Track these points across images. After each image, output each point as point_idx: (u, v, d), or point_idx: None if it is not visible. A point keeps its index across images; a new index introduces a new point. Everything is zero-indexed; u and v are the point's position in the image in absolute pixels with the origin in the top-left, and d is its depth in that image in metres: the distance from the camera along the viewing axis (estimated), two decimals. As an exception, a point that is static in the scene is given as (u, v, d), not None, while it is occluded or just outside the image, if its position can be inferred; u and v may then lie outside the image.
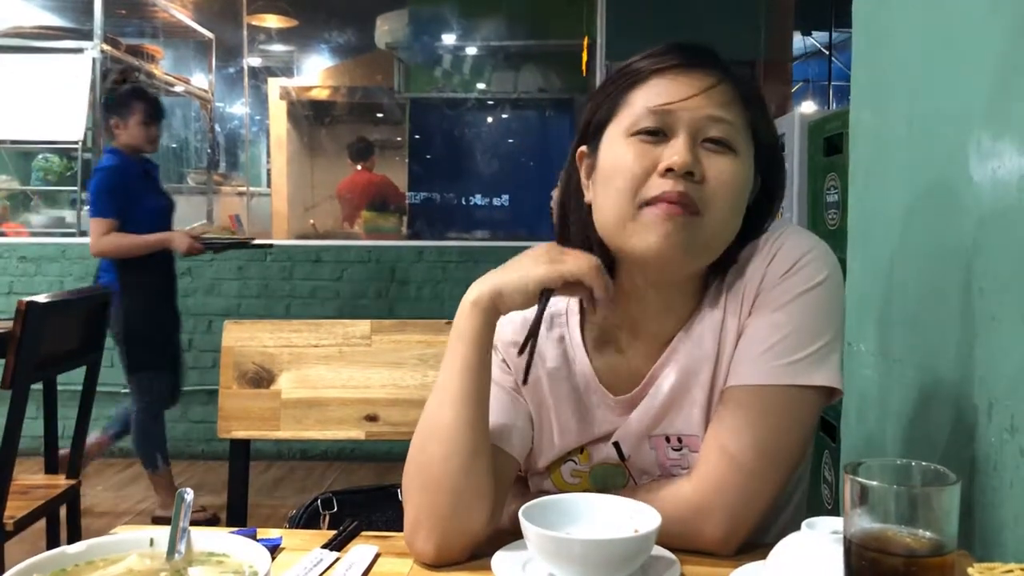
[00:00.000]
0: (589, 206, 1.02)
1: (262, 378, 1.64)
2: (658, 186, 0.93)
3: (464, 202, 6.22)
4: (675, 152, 0.93)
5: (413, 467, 0.98)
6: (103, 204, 3.49)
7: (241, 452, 1.64)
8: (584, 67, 5.59)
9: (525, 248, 1.02)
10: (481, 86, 6.27)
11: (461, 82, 6.21)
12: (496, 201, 6.23)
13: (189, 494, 0.81)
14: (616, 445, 1.03)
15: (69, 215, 4.97)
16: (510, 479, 1.05)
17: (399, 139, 6.59)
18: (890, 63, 1.31)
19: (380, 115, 7.09)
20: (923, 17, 1.22)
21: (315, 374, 1.64)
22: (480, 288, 0.98)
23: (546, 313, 1.06)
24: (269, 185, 7.27)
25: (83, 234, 4.82)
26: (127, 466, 4.47)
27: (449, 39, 6.17)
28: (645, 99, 0.96)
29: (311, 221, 6.78)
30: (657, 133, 0.95)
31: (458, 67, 6.21)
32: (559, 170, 1.12)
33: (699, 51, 0.99)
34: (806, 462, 1.07)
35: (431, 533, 0.93)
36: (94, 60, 4.83)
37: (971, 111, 1.05)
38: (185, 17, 6.01)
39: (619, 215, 0.96)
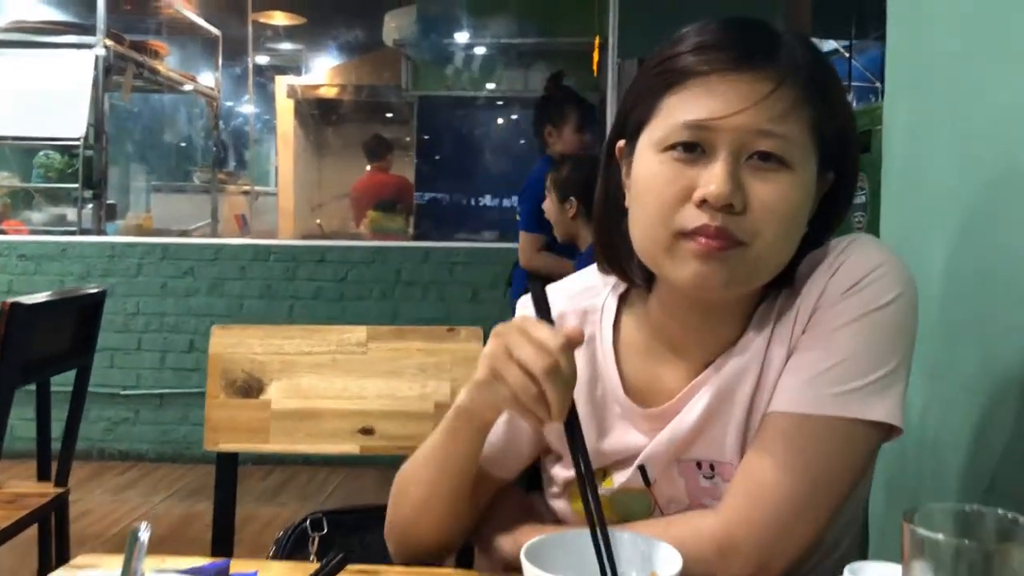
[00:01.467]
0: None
1: (251, 387, 1.54)
2: (693, 218, 0.81)
3: (472, 202, 6.11)
4: (712, 179, 0.80)
5: (392, 495, 0.97)
6: (539, 219, 3.12)
7: (228, 466, 1.54)
8: (595, 66, 5.48)
9: None
10: (490, 85, 6.17)
11: (470, 80, 6.11)
12: (505, 202, 6.13)
13: (144, 532, 0.71)
14: (642, 469, 0.92)
15: (70, 213, 4.88)
16: (489, 496, 1.00)
17: (407, 138, 6.50)
18: (928, 56, 1.20)
19: (388, 114, 7.00)
20: (964, 4, 1.11)
21: (307, 383, 1.54)
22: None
23: (578, 307, 0.98)
24: (275, 184, 7.19)
25: (84, 232, 4.74)
26: (126, 469, 4.39)
27: (458, 36, 6.08)
28: (682, 109, 0.82)
29: (317, 221, 6.69)
30: (694, 149, 0.82)
31: (467, 65, 6.12)
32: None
33: (755, 42, 0.83)
34: (858, 506, 0.96)
35: (397, 552, 0.97)
36: (97, 56, 4.75)
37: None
38: (191, 14, 5.93)
39: (652, 241, 0.85)
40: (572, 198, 2.89)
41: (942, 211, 1.14)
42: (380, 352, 1.53)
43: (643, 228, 0.85)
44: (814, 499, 0.84)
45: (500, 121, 6.37)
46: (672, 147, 0.82)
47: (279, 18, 6.62)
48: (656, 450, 0.92)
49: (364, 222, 5.59)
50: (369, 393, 1.52)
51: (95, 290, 2.47)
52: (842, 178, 0.89)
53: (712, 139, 0.81)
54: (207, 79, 6.37)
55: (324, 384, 1.53)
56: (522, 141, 6.29)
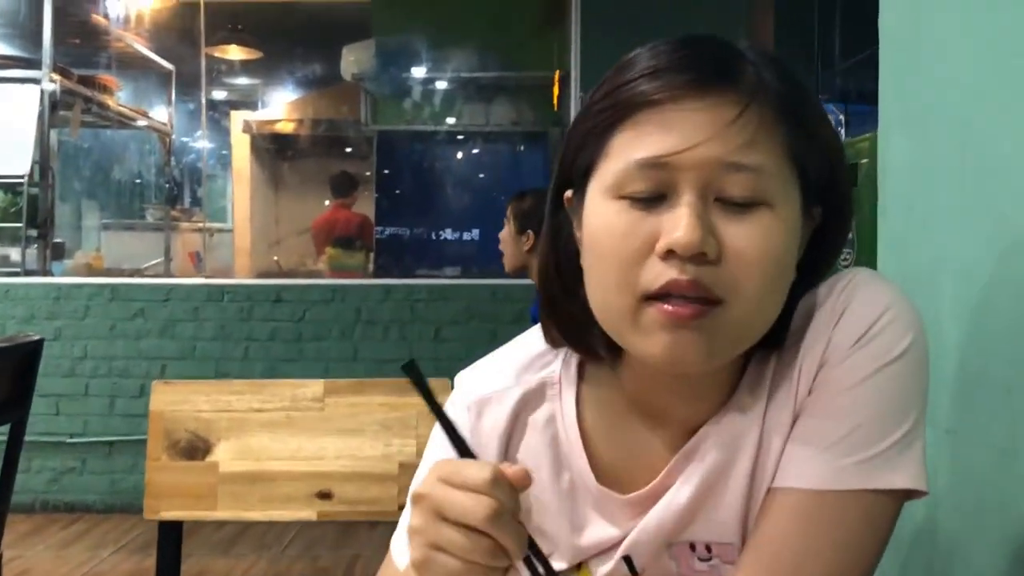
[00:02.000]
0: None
1: (196, 448, 1.41)
2: (659, 274, 0.68)
3: (434, 238, 6.00)
4: (677, 225, 0.67)
5: None
6: None
7: (171, 535, 1.40)
8: (556, 101, 5.44)
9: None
10: (451, 119, 6.09)
11: (430, 114, 6.02)
12: (467, 236, 6.03)
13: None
14: (627, 560, 0.80)
15: (14, 253, 4.69)
16: None
17: (366, 173, 6.39)
18: (930, 82, 1.12)
19: (347, 149, 6.89)
20: (972, 23, 1.03)
21: (258, 443, 1.41)
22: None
23: (531, 381, 0.85)
24: (231, 221, 7.02)
25: (28, 273, 4.55)
26: (71, 522, 4.17)
27: (417, 71, 5.99)
28: (634, 146, 0.70)
29: (275, 258, 6.54)
30: (652, 198, 0.70)
31: (427, 99, 6.03)
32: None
33: (713, 62, 0.71)
34: None
35: None
36: (43, 91, 4.59)
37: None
38: (143, 48, 5.79)
39: (614, 309, 0.72)
40: (530, 231, 2.86)
41: (954, 252, 1.05)
42: (338, 408, 1.41)
43: (602, 293, 0.73)
44: None
45: (461, 155, 6.29)
46: (626, 196, 0.70)
47: (234, 52, 6.50)
48: (642, 538, 0.79)
49: (323, 258, 5.45)
50: (327, 453, 1.40)
51: (32, 338, 2.31)
52: (832, 213, 0.77)
53: (673, 179, 0.69)
54: (160, 114, 6.22)
55: (277, 444, 1.41)
56: (482, 175, 6.22)
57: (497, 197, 6.14)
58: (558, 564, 0.80)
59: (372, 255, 5.62)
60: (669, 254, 0.68)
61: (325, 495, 1.40)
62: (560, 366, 0.85)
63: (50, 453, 4.28)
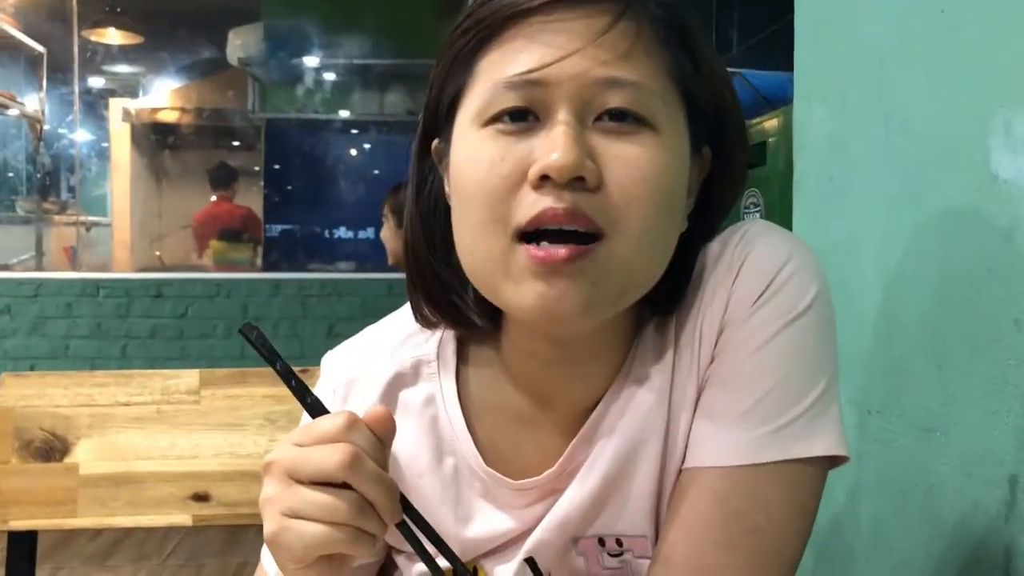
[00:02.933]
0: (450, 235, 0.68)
1: (53, 448, 1.25)
2: (532, 204, 0.60)
3: (327, 232, 5.82)
4: (551, 146, 0.59)
5: None
6: None
7: (23, 550, 1.25)
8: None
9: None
10: (344, 108, 5.91)
11: (322, 103, 5.82)
12: (361, 231, 5.87)
13: None
14: (531, 562, 0.71)
15: None
16: None
17: (255, 165, 6.15)
18: (849, 49, 1.07)
19: (234, 138, 6.62)
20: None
21: (125, 441, 1.27)
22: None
23: (406, 360, 0.76)
24: (110, 214, 6.67)
25: None
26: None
27: (309, 57, 5.78)
28: (499, 66, 0.62)
29: (157, 253, 6.23)
30: (524, 116, 0.61)
31: (318, 87, 5.83)
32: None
33: None
34: None
35: None
36: None
37: (989, 88, 0.81)
38: (11, 27, 5.42)
39: (484, 254, 0.63)
40: None
41: (874, 223, 1.00)
42: (216, 400, 1.28)
43: (470, 238, 0.64)
44: (773, 568, 0.65)
45: (354, 146, 6.11)
46: (494, 119, 0.62)
47: (113, 36, 6.15)
48: (545, 537, 0.71)
49: (207, 253, 5.21)
50: (203, 451, 1.27)
51: None
52: (723, 157, 0.70)
53: (546, 98, 0.61)
54: (31, 100, 5.84)
55: (147, 442, 1.27)
56: (376, 166, 6.06)
57: (391, 185, 6.01)
58: (440, 562, 0.70)
59: (260, 249, 5.41)
60: (543, 180, 0.59)
61: (202, 497, 1.27)
62: (437, 344, 0.77)
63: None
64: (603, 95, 0.61)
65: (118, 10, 5.99)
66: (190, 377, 1.29)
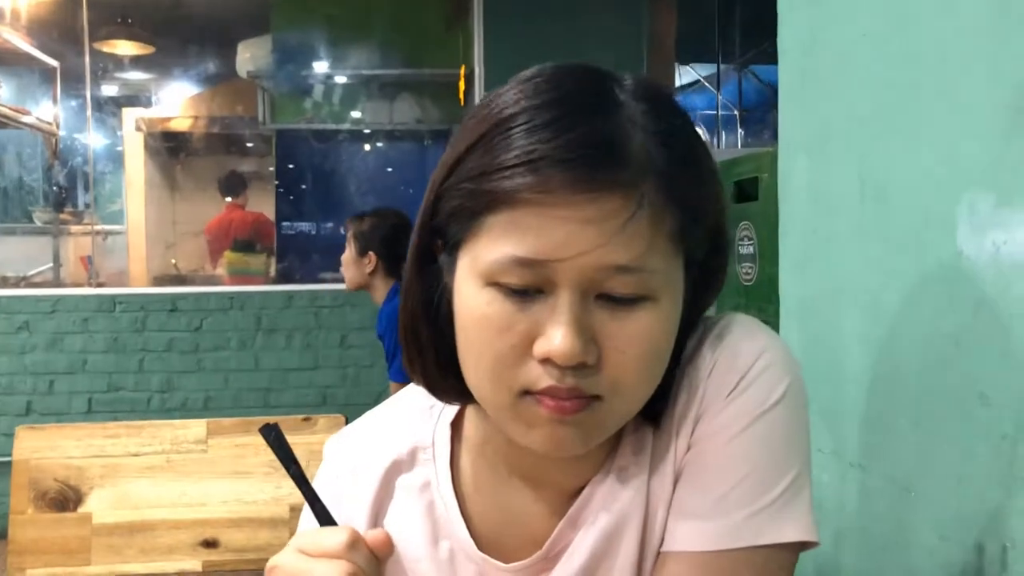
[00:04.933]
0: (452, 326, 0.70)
1: (67, 499, 1.30)
2: (538, 377, 0.63)
3: (337, 240, 5.86)
4: (555, 333, 0.62)
5: None
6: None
7: (40, 596, 1.30)
8: (463, 97, 5.36)
9: None
10: (354, 116, 5.94)
11: (331, 113, 5.86)
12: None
13: None
14: None
15: None
16: None
17: (265, 174, 6.20)
18: (830, 101, 1.09)
19: (245, 148, 6.67)
20: (869, 42, 1.01)
21: (136, 491, 1.31)
22: None
23: (403, 447, 0.79)
24: (125, 223, 6.73)
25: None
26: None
27: (317, 67, 5.82)
28: (510, 238, 0.62)
29: (173, 261, 6.29)
30: (526, 292, 0.63)
31: (328, 97, 5.87)
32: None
33: (595, 143, 0.61)
34: None
35: None
36: (-90, 90, 4.29)
37: (958, 167, 0.83)
38: (24, 43, 5.48)
39: (491, 400, 0.67)
40: (371, 252, 2.83)
41: (856, 279, 1.02)
42: (223, 449, 1.32)
43: (477, 382, 0.68)
44: None
45: (364, 155, 6.15)
46: (499, 284, 0.64)
47: (124, 47, 6.21)
48: None
49: (221, 262, 5.26)
50: (212, 499, 1.31)
51: None
52: (711, 263, 0.72)
53: (551, 277, 0.62)
54: (46, 113, 5.91)
55: (157, 490, 1.31)
56: (386, 175, 6.09)
57: (403, 196, 6.04)
58: None
59: (273, 260, 5.46)
60: (547, 360, 0.63)
61: (211, 543, 1.31)
62: (432, 430, 0.80)
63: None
64: (608, 280, 0.62)
65: (129, 21, 6.04)
66: (198, 427, 1.33)
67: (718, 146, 7.54)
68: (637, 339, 0.64)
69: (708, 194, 0.68)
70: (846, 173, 1.04)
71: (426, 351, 0.73)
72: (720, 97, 7.58)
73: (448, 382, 0.73)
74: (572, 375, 0.63)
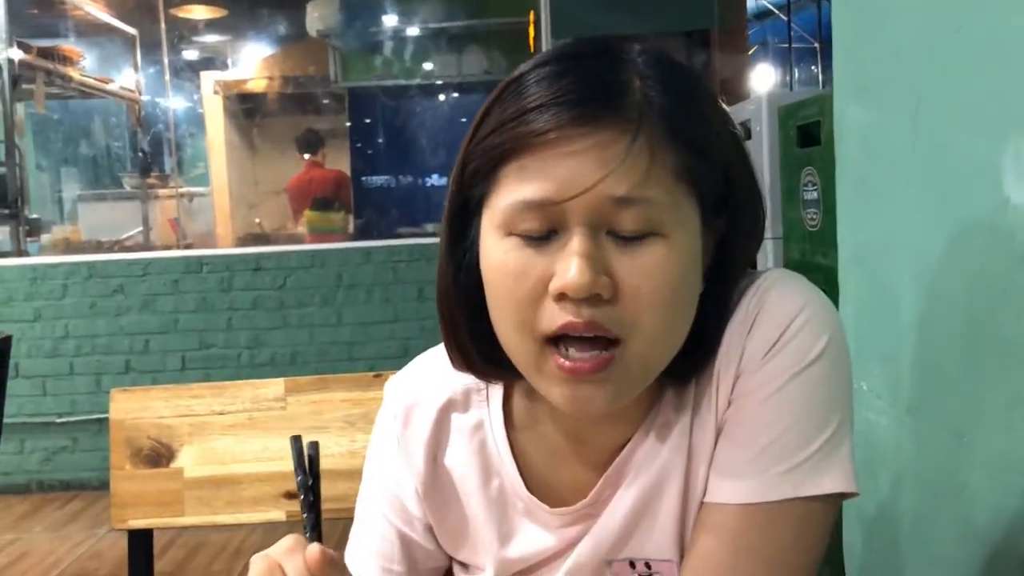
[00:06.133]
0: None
1: (160, 455, 1.39)
2: (554, 316, 0.66)
3: (412, 194, 5.94)
4: (567, 267, 0.65)
5: None
6: None
7: (142, 544, 1.40)
8: (532, 44, 5.33)
9: None
10: (423, 70, 5.97)
11: (401, 68, 5.90)
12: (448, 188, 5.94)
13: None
14: None
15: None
16: None
17: (340, 131, 6.28)
18: (883, 47, 1.08)
19: (319, 105, 6.77)
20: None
21: (222, 447, 1.39)
22: None
23: (458, 387, 0.83)
24: (209, 184, 6.93)
25: (3, 255, 4.50)
26: (68, 500, 4.19)
27: (385, 23, 5.86)
28: (519, 185, 0.66)
29: (257, 220, 6.46)
30: (541, 236, 0.67)
31: (397, 52, 5.90)
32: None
33: (595, 84, 0.66)
34: None
35: None
36: (0, 67, 4.48)
37: (1004, 112, 0.82)
38: (103, 14, 5.65)
39: (517, 353, 0.70)
40: None
41: (908, 228, 1.02)
42: (300, 406, 1.39)
43: (504, 332, 0.71)
44: None
45: (435, 109, 6.18)
46: (515, 234, 0.68)
47: (199, 12, 6.34)
48: (580, 561, 0.79)
49: (302, 220, 5.39)
50: (291, 453, 1.38)
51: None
52: (736, 219, 0.73)
53: (562, 216, 0.66)
54: (128, 80, 6.10)
55: (241, 446, 1.39)
56: (456, 127, 6.12)
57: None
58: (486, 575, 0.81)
59: (351, 216, 5.56)
60: (562, 296, 0.66)
61: (293, 495, 1.39)
62: None
63: (40, 433, 4.28)
64: (616, 214, 0.65)
65: (201, -14, 6.16)
66: (276, 386, 1.40)
67: (792, 86, 7.20)
68: (649, 273, 0.66)
69: (714, 133, 0.70)
70: (899, 119, 1.03)
71: (461, 327, 0.76)
72: (794, 28, 7.19)
73: (484, 358, 0.76)
74: (588, 308, 0.65)
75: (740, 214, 0.74)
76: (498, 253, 0.69)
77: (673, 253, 0.67)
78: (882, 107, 1.07)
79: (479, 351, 0.76)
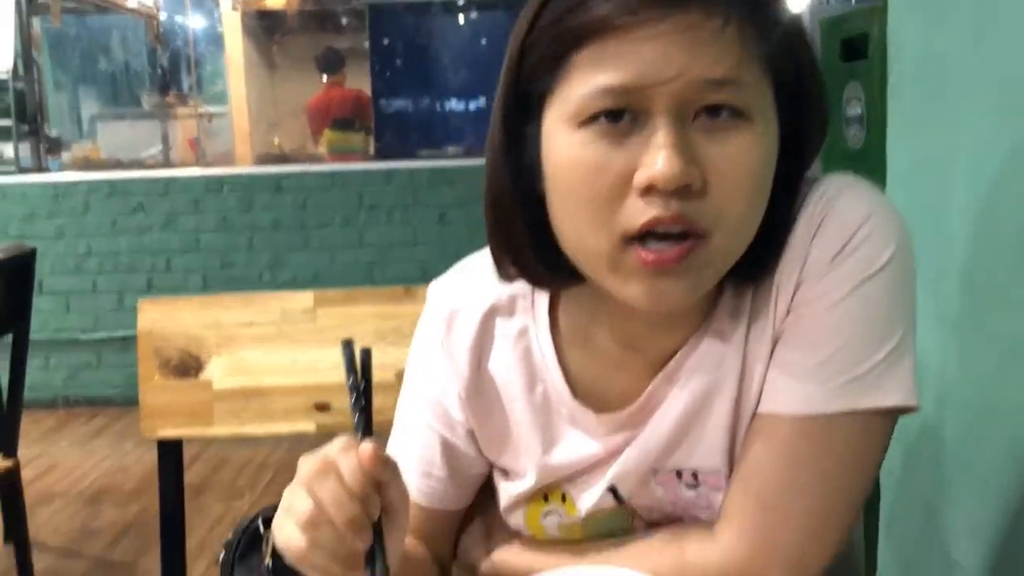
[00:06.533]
0: (542, 197, 0.69)
1: (188, 366, 1.38)
2: (640, 212, 0.62)
3: (433, 116, 5.86)
4: (655, 157, 0.61)
5: None
6: None
7: (171, 454, 1.40)
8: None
9: None
10: (446, -13, 5.85)
11: (423, -16, 5.78)
12: (470, 109, 5.87)
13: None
14: (613, 491, 0.78)
15: (7, 150, 4.60)
16: (453, 528, 0.87)
17: (360, 50, 6.17)
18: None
19: (338, 25, 6.65)
20: None
21: (251, 358, 1.38)
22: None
23: (502, 293, 0.80)
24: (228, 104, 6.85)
25: (24, 171, 4.49)
26: (92, 415, 4.25)
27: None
28: (596, 72, 0.62)
29: (276, 140, 6.41)
30: (621, 116, 0.62)
31: (419, -32, 5.77)
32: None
33: None
34: None
35: None
36: (17, -22, 4.41)
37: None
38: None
39: (591, 252, 0.66)
40: None
41: (964, 147, 0.97)
42: (330, 319, 1.37)
43: (575, 233, 0.67)
44: (840, 508, 0.70)
45: (457, 28, 6.05)
46: (593, 118, 0.63)
47: (215, -75, 6.20)
48: (626, 468, 0.77)
49: (321, 141, 5.34)
50: (322, 365, 1.37)
51: (24, 249, 2.28)
52: (801, 118, 0.69)
53: (646, 101, 0.62)
54: (146, -3, 6.00)
55: (270, 358, 1.38)
56: (479, 46, 6.00)
57: (496, 69, 5.96)
58: (527, 482, 0.79)
59: (371, 139, 5.50)
60: (649, 189, 0.62)
61: (322, 407, 1.38)
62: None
63: (65, 350, 4.32)
64: (702, 95, 0.62)
65: (219, -102, 6.00)
66: (305, 298, 1.39)
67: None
68: (736, 161, 0.63)
69: (792, 28, 0.67)
70: (962, 29, 0.97)
71: (517, 231, 0.72)
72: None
73: (540, 262, 0.72)
74: (677, 201, 0.62)
75: (809, 113, 0.70)
76: (571, 147, 0.64)
77: (759, 141, 0.64)
78: (944, 21, 1.01)
79: (536, 255, 0.73)
